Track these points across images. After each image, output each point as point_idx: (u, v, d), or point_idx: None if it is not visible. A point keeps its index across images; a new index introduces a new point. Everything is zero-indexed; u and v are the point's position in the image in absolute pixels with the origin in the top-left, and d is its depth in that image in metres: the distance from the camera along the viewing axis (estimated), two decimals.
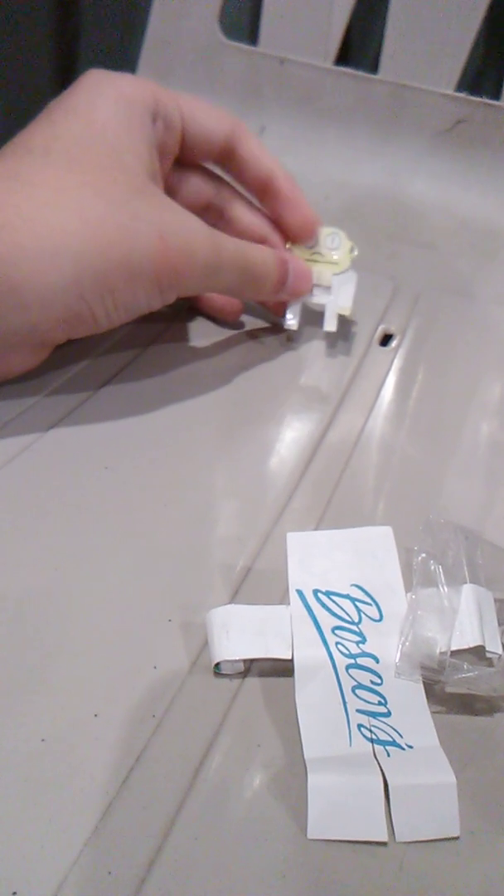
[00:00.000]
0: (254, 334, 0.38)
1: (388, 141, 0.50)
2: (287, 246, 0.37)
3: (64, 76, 0.53)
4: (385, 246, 0.46)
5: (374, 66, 0.50)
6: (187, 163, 0.35)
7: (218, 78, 0.52)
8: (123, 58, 0.55)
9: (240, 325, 0.39)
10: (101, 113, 0.30)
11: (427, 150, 0.49)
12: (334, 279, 0.37)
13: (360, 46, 0.52)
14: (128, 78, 0.32)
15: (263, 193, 0.37)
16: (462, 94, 0.47)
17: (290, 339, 0.39)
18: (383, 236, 0.47)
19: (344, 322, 0.38)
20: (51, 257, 0.27)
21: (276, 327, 0.39)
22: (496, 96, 0.47)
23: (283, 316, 0.38)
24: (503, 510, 0.30)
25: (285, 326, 0.38)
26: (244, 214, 0.37)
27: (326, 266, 0.37)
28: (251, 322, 0.39)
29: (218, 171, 0.37)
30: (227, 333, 0.38)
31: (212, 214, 0.37)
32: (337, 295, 0.38)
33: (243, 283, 0.34)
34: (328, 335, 0.38)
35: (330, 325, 0.37)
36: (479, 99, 0.47)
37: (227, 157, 0.35)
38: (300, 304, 0.38)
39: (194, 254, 0.30)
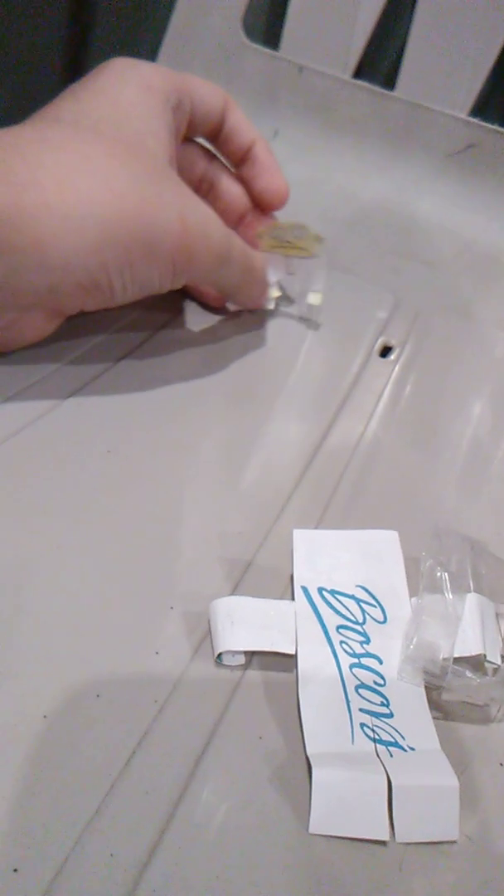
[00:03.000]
0: (260, 332, 0.38)
1: (398, 157, 0.50)
2: (257, 234, 0.38)
3: (74, 66, 0.53)
4: (388, 260, 0.47)
5: (390, 83, 0.51)
6: (187, 138, 0.36)
7: (235, 78, 0.52)
8: (137, 50, 0.55)
9: (244, 325, 0.39)
10: (126, 97, 0.31)
11: (436, 171, 0.49)
12: (305, 265, 0.38)
13: (377, 61, 0.52)
14: (149, 66, 0.32)
15: (242, 161, 0.37)
16: (475, 120, 0.48)
17: (263, 324, 0.39)
18: (387, 250, 0.47)
19: (314, 314, 0.39)
20: (77, 221, 0.26)
21: (289, 326, 0.39)
22: None
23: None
24: (496, 521, 0.31)
25: (308, 301, 0.39)
26: (231, 188, 0.38)
27: (297, 251, 0.38)
28: (258, 319, 0.39)
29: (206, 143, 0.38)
30: (235, 329, 0.38)
31: (204, 187, 0.37)
32: (309, 281, 0.38)
33: (244, 283, 0.35)
34: (311, 314, 0.39)
35: (302, 311, 0.38)
36: (490, 126, 0.48)
37: (217, 128, 0.36)
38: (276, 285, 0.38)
39: (209, 241, 0.30)
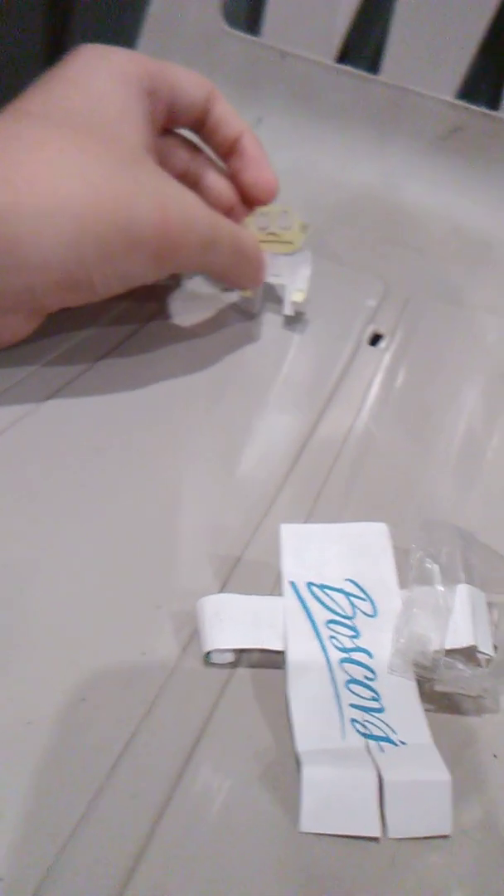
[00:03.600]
0: (247, 325, 0.38)
1: (384, 143, 0.50)
2: (244, 224, 0.37)
3: (53, 56, 0.52)
4: (377, 247, 0.46)
5: (374, 67, 0.50)
6: (169, 129, 0.35)
7: (217, 66, 0.51)
8: (117, 38, 0.54)
9: (231, 316, 0.38)
10: (98, 86, 0.30)
11: (423, 155, 0.49)
12: (289, 261, 0.37)
13: (361, 46, 0.52)
14: (121, 52, 0.32)
15: (229, 153, 0.37)
16: (461, 102, 0.47)
17: (249, 311, 0.38)
18: (375, 237, 0.47)
19: (301, 309, 0.38)
20: (51, 217, 0.26)
21: (271, 319, 0.38)
22: (494, 106, 0.48)
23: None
24: (489, 512, 0.30)
25: (254, 311, 0.38)
26: (217, 182, 0.37)
27: (281, 246, 0.37)
28: (243, 315, 0.39)
29: (190, 136, 0.37)
30: (220, 320, 0.38)
31: (188, 181, 0.36)
32: (293, 278, 0.37)
33: (235, 265, 0.34)
34: (295, 314, 0.38)
35: (287, 309, 0.37)
36: (477, 108, 0.47)
37: (202, 119, 0.35)
38: (261, 290, 0.38)
39: (193, 227, 0.30)
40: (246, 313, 0.38)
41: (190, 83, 0.34)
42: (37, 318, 0.31)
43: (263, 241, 0.37)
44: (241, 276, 0.35)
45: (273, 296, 0.39)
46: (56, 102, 0.29)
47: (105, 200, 0.27)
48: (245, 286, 0.37)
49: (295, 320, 0.38)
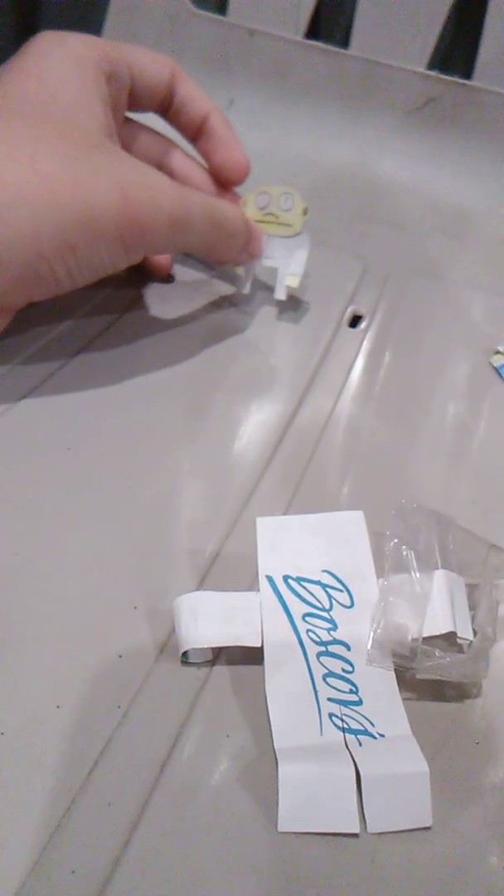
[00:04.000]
0: (224, 312, 0.37)
1: (358, 118, 0.49)
2: (241, 201, 0.36)
3: (23, 42, 0.51)
4: (355, 226, 0.46)
5: (344, 42, 0.49)
6: (132, 111, 0.34)
7: (185, 48, 0.50)
8: (84, 23, 0.53)
9: (209, 301, 0.38)
10: (53, 74, 0.29)
11: (398, 129, 0.48)
12: (286, 242, 0.36)
13: (330, 20, 0.50)
14: (78, 37, 0.31)
15: (198, 135, 0.36)
16: (433, 73, 0.46)
17: (236, 304, 0.37)
18: (353, 216, 0.46)
19: (296, 294, 0.37)
20: (5, 211, 0.25)
21: (248, 305, 0.38)
22: (467, 75, 0.47)
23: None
24: (471, 493, 0.30)
25: (243, 291, 0.37)
26: (194, 174, 0.36)
27: (278, 228, 0.36)
28: (222, 300, 0.38)
29: (162, 127, 0.36)
30: (201, 307, 0.37)
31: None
32: (288, 261, 0.36)
33: (215, 240, 0.32)
34: (287, 298, 0.37)
35: (280, 293, 0.37)
36: (450, 78, 0.46)
37: (167, 101, 0.35)
38: (253, 268, 0.37)
39: (160, 208, 0.29)
40: (235, 296, 0.38)
41: (151, 63, 0.33)
42: (5, 317, 0.30)
43: (261, 221, 0.36)
44: (225, 250, 0.34)
45: (259, 281, 0.38)
46: (11, 94, 0.29)
47: (60, 189, 0.26)
48: (233, 261, 0.36)
49: (285, 306, 0.37)
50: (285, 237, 0.36)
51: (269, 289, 0.38)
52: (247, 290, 0.37)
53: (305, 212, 0.36)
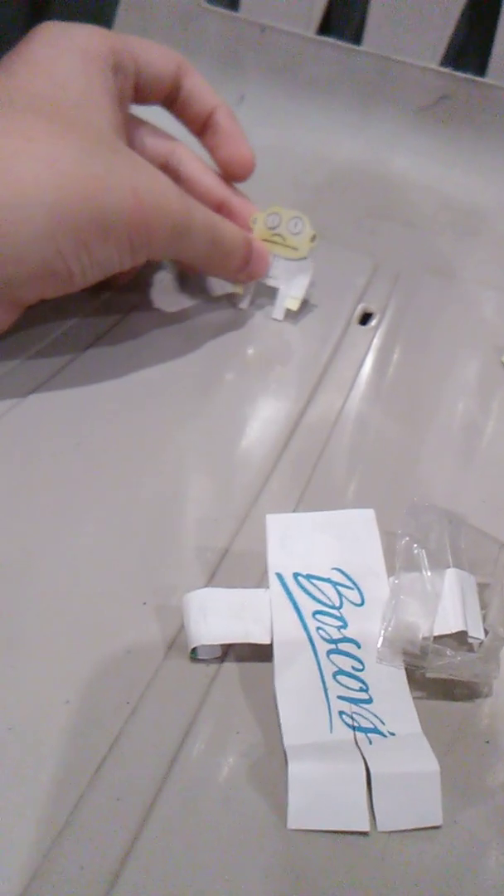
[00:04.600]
0: (233, 311, 0.37)
1: (370, 115, 0.48)
2: (252, 219, 0.36)
3: None
4: (365, 223, 0.45)
5: (357, 38, 0.49)
6: (138, 104, 0.34)
7: (196, 43, 0.50)
8: (97, 19, 0.53)
9: (219, 301, 0.38)
10: (61, 67, 0.29)
11: (410, 126, 0.48)
12: (290, 265, 0.36)
13: (342, 16, 0.50)
14: (84, 29, 0.31)
15: (204, 129, 0.36)
16: (446, 69, 0.46)
17: (235, 304, 0.37)
18: (364, 213, 0.46)
19: (304, 307, 0.37)
20: (23, 209, 0.25)
21: (257, 304, 0.38)
22: (481, 72, 0.46)
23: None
24: (482, 492, 0.30)
25: (240, 306, 0.37)
26: (202, 176, 0.36)
27: (285, 250, 0.36)
28: (231, 297, 0.38)
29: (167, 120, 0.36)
30: (206, 306, 0.37)
31: (168, 174, 0.35)
32: (289, 284, 0.37)
33: (211, 255, 0.33)
34: (285, 318, 0.37)
35: (277, 313, 0.37)
36: (463, 74, 0.46)
37: (173, 94, 0.34)
38: (251, 287, 0.37)
39: (167, 213, 0.29)
40: (283, 324, 0.38)
41: (157, 56, 0.33)
42: (16, 311, 0.30)
43: (268, 241, 0.36)
44: (220, 267, 0.34)
45: (267, 290, 0.38)
46: (20, 87, 0.28)
47: (77, 188, 0.26)
48: (230, 278, 0.36)
49: (285, 319, 0.37)
50: (290, 259, 0.36)
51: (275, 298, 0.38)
52: (244, 305, 0.37)
53: (314, 238, 0.36)
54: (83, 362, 0.33)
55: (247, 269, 0.35)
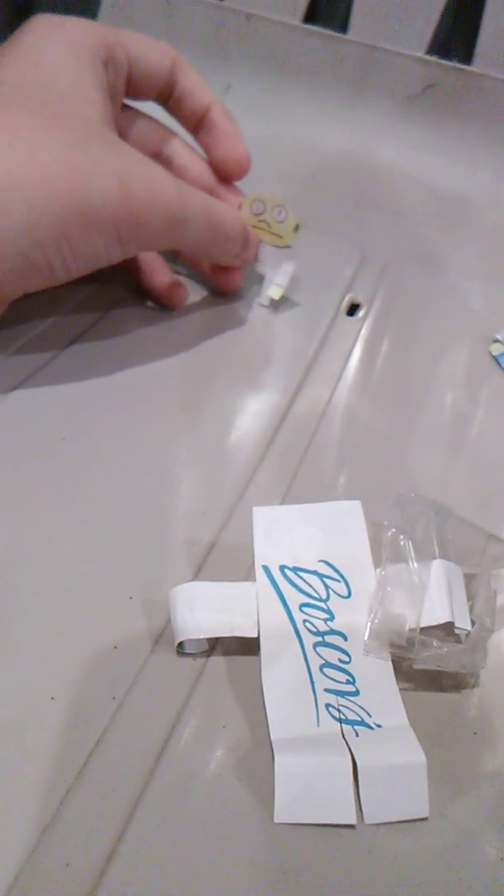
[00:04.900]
0: (219, 302, 0.37)
1: (356, 104, 0.48)
2: (237, 204, 0.36)
3: (18, 26, 0.51)
4: (353, 213, 0.45)
5: (343, 26, 0.48)
6: (131, 99, 0.34)
7: (181, 32, 0.49)
8: (81, 8, 0.52)
9: (204, 293, 0.38)
10: (50, 59, 0.29)
11: (396, 115, 0.47)
12: (274, 252, 0.36)
13: (329, 4, 0.50)
14: (75, 22, 0.30)
15: (199, 127, 0.35)
16: (433, 58, 0.46)
17: (269, 304, 0.37)
18: (351, 203, 0.46)
19: (292, 293, 0.37)
20: (0, 201, 0.25)
21: (243, 295, 0.38)
22: (467, 61, 0.46)
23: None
24: (469, 483, 0.30)
25: (269, 293, 0.37)
26: (192, 164, 0.36)
27: (270, 237, 0.36)
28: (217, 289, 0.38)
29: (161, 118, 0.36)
30: (192, 299, 0.37)
31: (160, 163, 0.35)
32: (275, 270, 0.37)
33: (211, 242, 0.32)
34: (270, 305, 0.37)
35: (263, 299, 0.37)
36: (449, 63, 0.45)
37: (168, 90, 0.34)
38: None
39: (158, 203, 0.28)
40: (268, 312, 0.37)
41: (151, 51, 0.32)
42: None
43: (254, 226, 0.36)
44: (220, 253, 0.34)
45: (253, 280, 0.38)
46: (7, 78, 0.28)
47: (58, 179, 0.26)
48: (228, 264, 0.36)
49: (268, 307, 0.37)
50: (274, 247, 0.36)
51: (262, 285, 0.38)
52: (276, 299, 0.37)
53: (297, 228, 0.35)
54: (68, 357, 0.32)
55: (243, 253, 0.35)
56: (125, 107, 0.34)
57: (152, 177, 0.29)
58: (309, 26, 0.48)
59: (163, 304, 0.36)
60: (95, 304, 0.35)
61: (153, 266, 0.36)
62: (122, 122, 0.34)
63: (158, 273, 0.36)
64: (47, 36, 0.30)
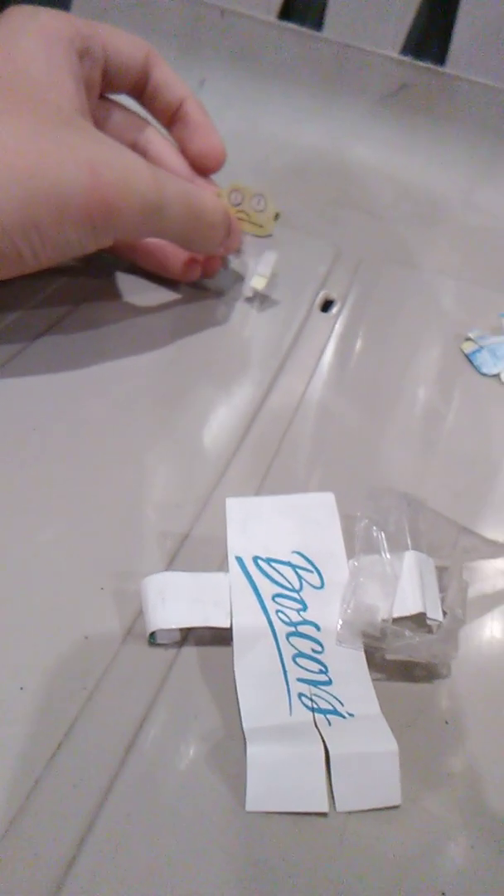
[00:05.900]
0: (194, 296, 0.37)
1: (331, 102, 0.48)
2: (217, 193, 0.36)
3: None
4: (327, 210, 0.45)
5: (318, 24, 0.49)
6: (105, 93, 0.34)
7: (155, 27, 0.49)
8: (54, 1, 0.52)
9: (178, 286, 0.37)
10: (23, 49, 0.29)
11: (370, 114, 0.48)
12: (255, 242, 0.36)
13: (304, 2, 0.50)
14: (50, 13, 0.30)
15: (173, 121, 0.35)
16: (407, 58, 0.46)
17: (204, 288, 0.37)
18: (325, 200, 0.46)
19: (271, 287, 0.37)
20: None
21: (216, 287, 0.37)
22: (440, 62, 0.47)
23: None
24: (442, 477, 0.30)
25: (252, 284, 0.37)
26: (169, 157, 0.35)
27: (251, 227, 0.36)
28: (191, 284, 0.38)
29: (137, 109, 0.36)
30: (167, 292, 0.37)
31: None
32: (257, 259, 0.37)
33: (192, 230, 0.32)
34: (254, 296, 0.37)
35: (247, 290, 0.37)
36: (423, 64, 0.46)
37: (141, 84, 0.34)
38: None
39: (132, 190, 0.28)
40: (203, 280, 0.37)
41: (125, 44, 0.32)
42: None
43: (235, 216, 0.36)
44: (202, 241, 0.33)
45: (230, 270, 0.38)
46: None
47: (23, 163, 0.25)
48: (211, 253, 0.35)
49: (252, 299, 0.37)
50: (255, 237, 0.36)
51: (240, 277, 0.38)
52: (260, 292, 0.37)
53: (277, 217, 0.36)
54: (35, 351, 0.32)
55: (226, 241, 0.34)
56: (102, 98, 0.34)
57: (125, 163, 0.28)
58: (284, 23, 0.48)
59: (180, 281, 0.36)
60: (66, 296, 0.35)
61: (165, 250, 0.36)
62: (99, 113, 0.34)
63: (170, 256, 0.36)
64: (21, 26, 0.29)
